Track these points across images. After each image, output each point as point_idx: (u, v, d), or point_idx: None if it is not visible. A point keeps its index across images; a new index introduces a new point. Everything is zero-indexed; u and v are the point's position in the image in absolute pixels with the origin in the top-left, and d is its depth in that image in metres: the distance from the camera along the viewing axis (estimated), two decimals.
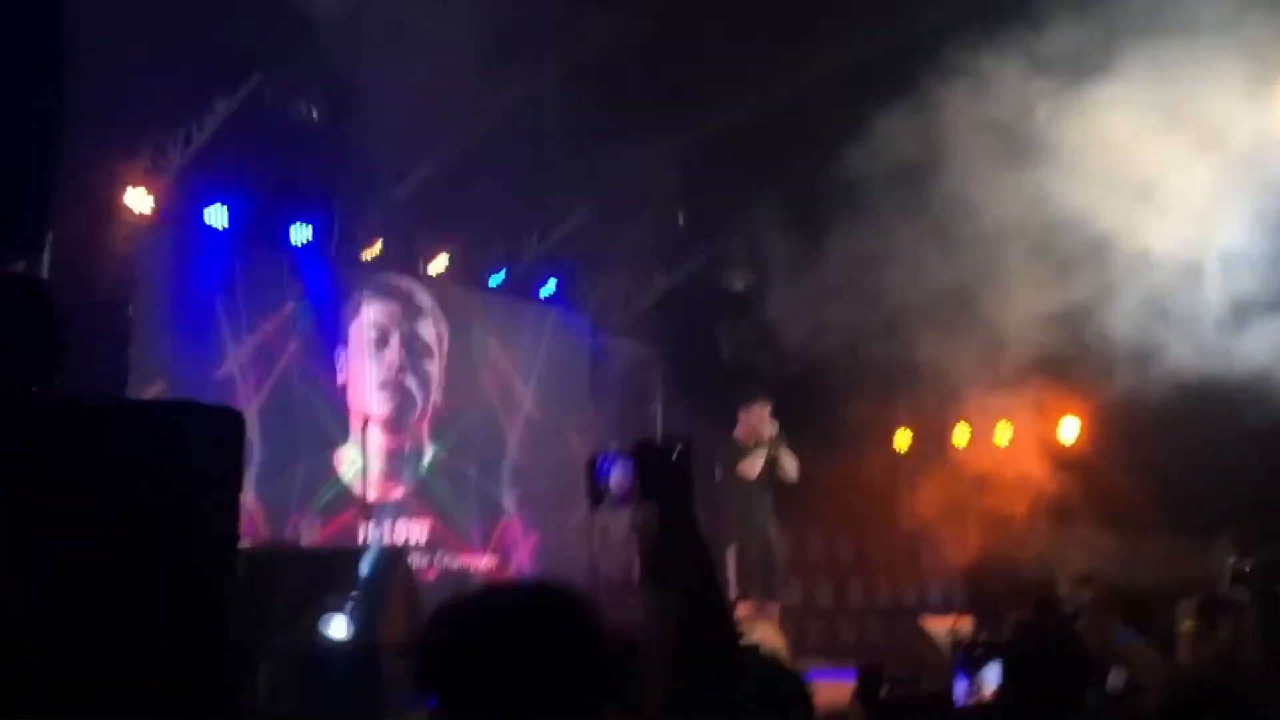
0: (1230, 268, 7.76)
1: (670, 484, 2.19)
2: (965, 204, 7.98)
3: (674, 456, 2.21)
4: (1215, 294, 7.83)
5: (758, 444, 8.70)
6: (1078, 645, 3.12)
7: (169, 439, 1.71)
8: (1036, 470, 10.46)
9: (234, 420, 1.74)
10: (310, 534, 8.50)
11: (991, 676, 2.87)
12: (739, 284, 11.06)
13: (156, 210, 8.23)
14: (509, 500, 10.32)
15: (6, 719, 1.69)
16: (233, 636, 1.81)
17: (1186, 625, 3.82)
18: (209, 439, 1.71)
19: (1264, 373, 7.84)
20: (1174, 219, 7.64)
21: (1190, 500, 9.58)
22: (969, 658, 2.90)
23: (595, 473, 1.95)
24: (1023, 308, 8.69)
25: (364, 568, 6.95)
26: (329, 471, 9.13)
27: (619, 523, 6.47)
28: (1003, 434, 11.05)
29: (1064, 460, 10.57)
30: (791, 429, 8.95)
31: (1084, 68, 7.22)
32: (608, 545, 6.77)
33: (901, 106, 7.59)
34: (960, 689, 2.87)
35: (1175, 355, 8.00)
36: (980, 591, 10.27)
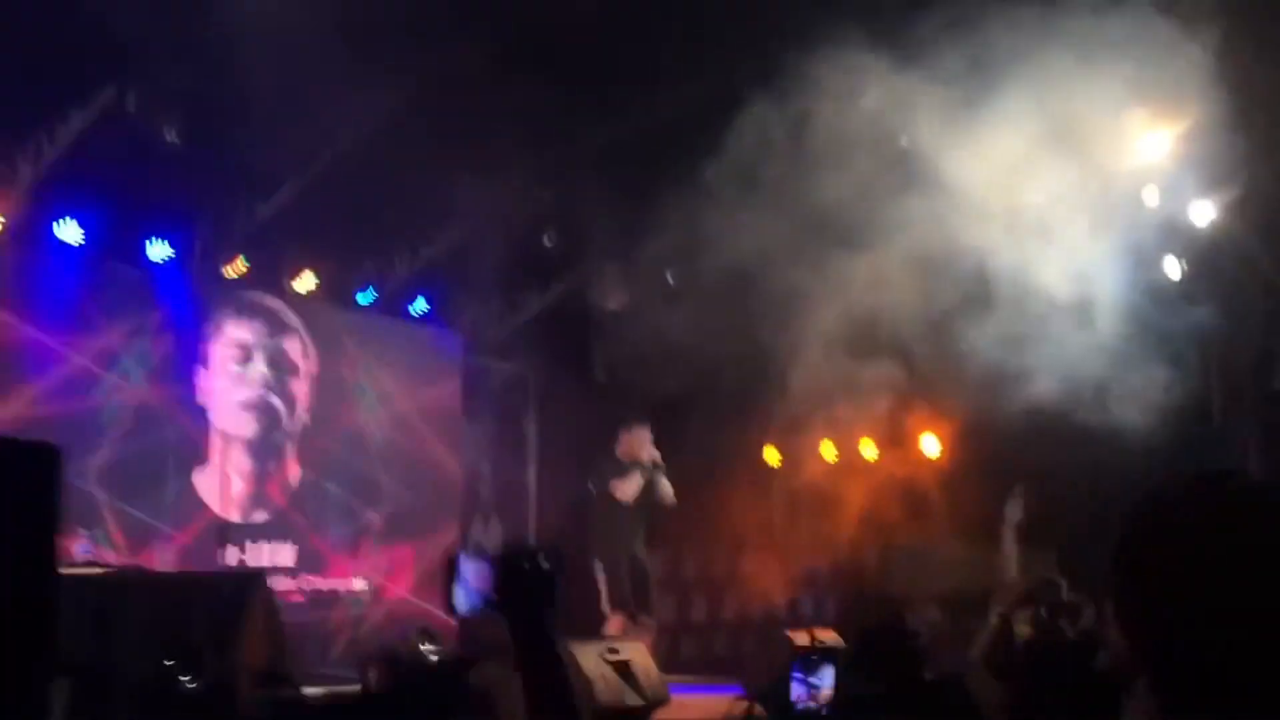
0: (1098, 301, 8.05)
1: (529, 597, 2.04)
2: (836, 222, 8.14)
3: (539, 564, 2.04)
4: (1081, 325, 8.12)
5: (636, 466, 8.78)
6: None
7: None
8: (898, 486, 10.74)
9: (50, 456, 1.69)
10: (166, 560, 8.26)
11: (826, 679, 2.97)
12: (611, 303, 11.12)
13: (4, 225, 7.93)
14: (378, 521, 10.17)
15: None
16: (46, 690, 1.74)
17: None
18: (23, 476, 1.66)
19: (1115, 403, 8.18)
20: (1045, 249, 7.90)
21: (1040, 518, 9.93)
22: (806, 662, 2.98)
23: (453, 576, 1.81)
24: (890, 327, 8.92)
25: (220, 591, 6.77)
26: (189, 494, 8.89)
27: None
28: (867, 450, 11.31)
29: (925, 476, 10.88)
30: (663, 447, 9.04)
31: (968, 87, 7.36)
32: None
33: (775, 124, 7.69)
34: (797, 691, 2.95)
35: (1033, 380, 8.29)
36: (847, 603, 10.50)
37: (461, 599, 2.02)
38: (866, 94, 7.57)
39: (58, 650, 1.86)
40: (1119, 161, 8.27)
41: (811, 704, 2.86)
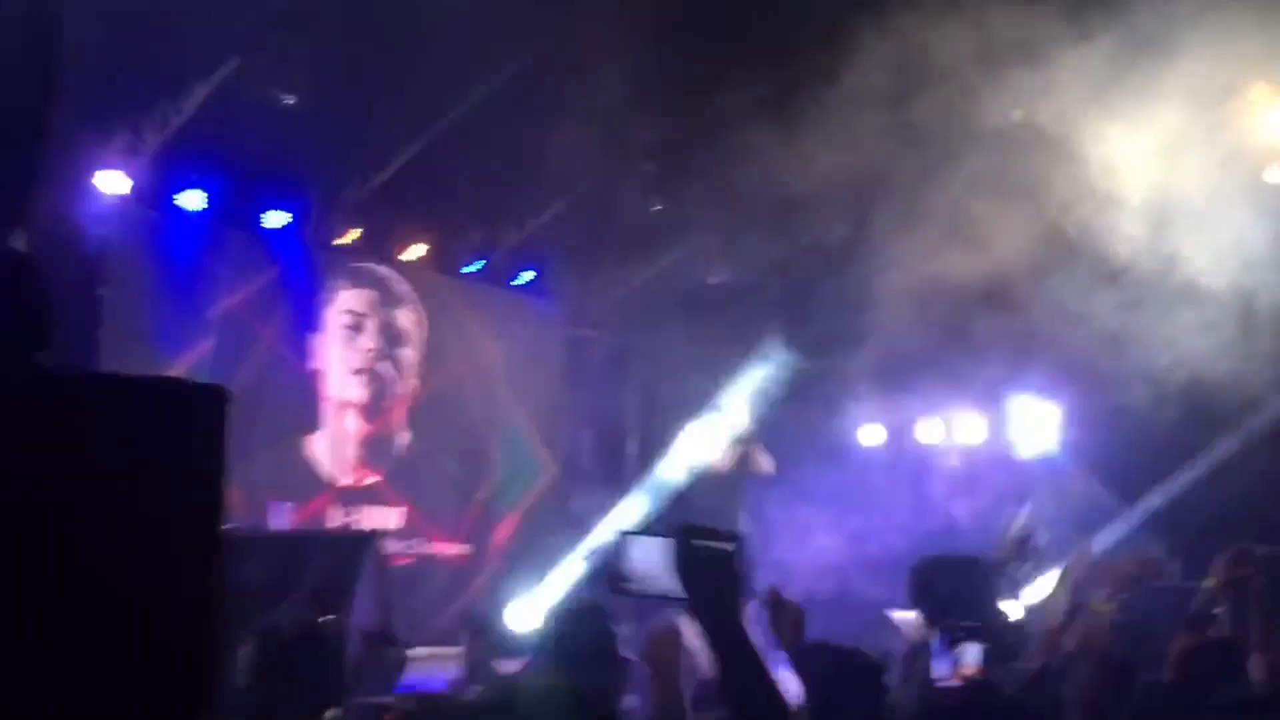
0: (1215, 283, 7.79)
1: (718, 587, 1.82)
2: (953, 194, 7.99)
3: (725, 549, 1.82)
4: (1196, 308, 7.88)
5: (732, 438, 8.78)
6: None
7: (153, 415, 1.72)
8: (1000, 468, 10.56)
9: (219, 398, 1.75)
10: (282, 519, 8.48)
11: (971, 655, 2.94)
12: (714, 277, 11.11)
13: (131, 192, 8.18)
14: (484, 487, 10.33)
15: None
16: (218, 622, 1.81)
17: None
18: (194, 417, 1.72)
19: (1223, 389, 7.93)
20: (1166, 228, 7.67)
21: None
22: (951, 639, 2.95)
23: (619, 553, 1.66)
24: (1005, 307, 8.76)
25: (333, 551, 6.92)
26: (303, 457, 9.12)
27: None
28: (972, 432, 11.15)
29: (1030, 459, 10.69)
30: (765, 426, 9.02)
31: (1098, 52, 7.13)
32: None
33: (886, 87, 7.51)
34: (941, 668, 2.93)
35: (1145, 362, 8.08)
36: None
37: (628, 583, 1.83)
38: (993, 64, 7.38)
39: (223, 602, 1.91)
40: (1244, 137, 8.00)
41: (955, 682, 2.83)
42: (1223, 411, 8.12)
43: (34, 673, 1.66)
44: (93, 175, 8.03)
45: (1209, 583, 3.81)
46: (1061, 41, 7.11)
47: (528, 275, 10.76)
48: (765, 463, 8.91)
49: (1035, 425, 10.76)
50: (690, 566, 1.84)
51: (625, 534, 1.88)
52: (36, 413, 1.60)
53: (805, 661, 2.88)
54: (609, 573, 1.92)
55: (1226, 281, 7.51)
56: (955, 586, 3.75)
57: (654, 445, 11.22)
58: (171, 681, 1.80)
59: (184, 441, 1.67)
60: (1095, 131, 7.37)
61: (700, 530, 1.88)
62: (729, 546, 1.86)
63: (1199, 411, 8.45)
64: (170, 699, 1.81)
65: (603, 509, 11.00)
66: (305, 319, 9.27)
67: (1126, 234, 7.71)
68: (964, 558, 4.19)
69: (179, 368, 8.39)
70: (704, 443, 8.84)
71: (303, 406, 9.20)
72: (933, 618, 3.75)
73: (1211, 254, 7.55)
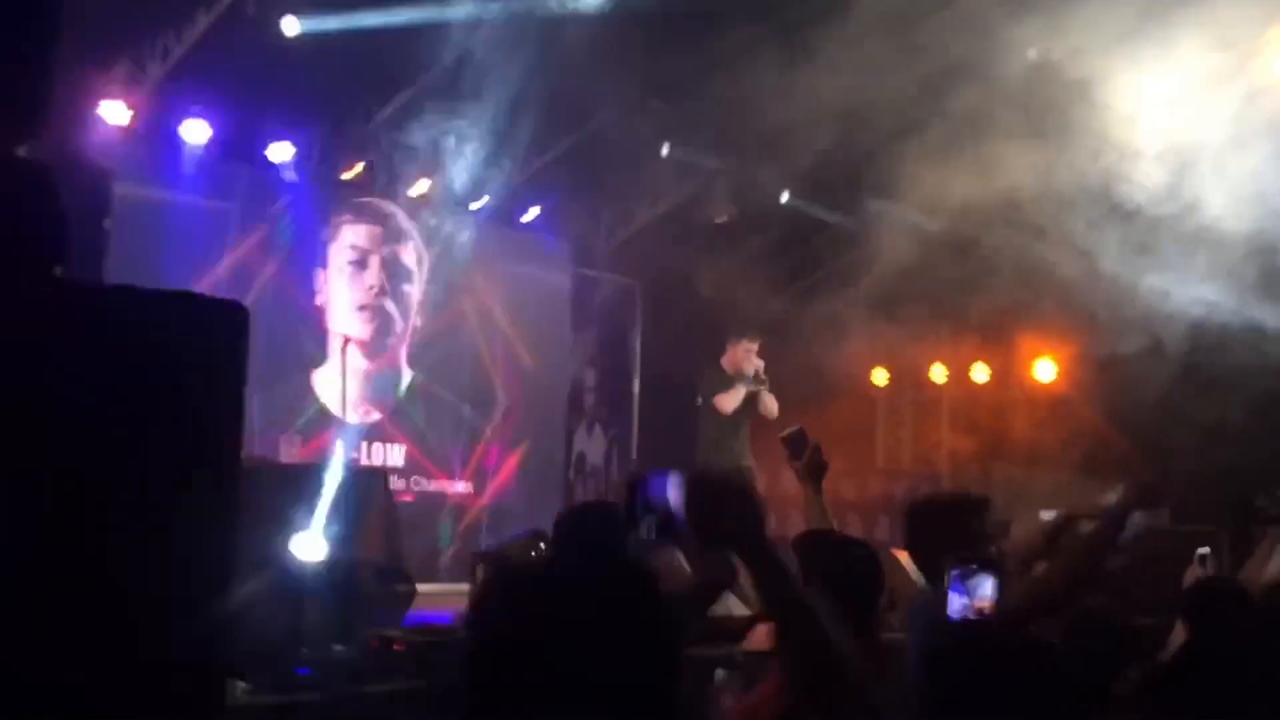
0: (1232, 228, 7.73)
1: (738, 521, 1.88)
2: (964, 134, 7.91)
3: (732, 487, 1.91)
4: (1213, 253, 7.82)
5: (740, 378, 8.72)
6: None
7: (175, 329, 1.69)
8: (1010, 410, 10.56)
9: (239, 314, 1.72)
10: (289, 454, 8.47)
11: (987, 589, 2.92)
12: (721, 217, 11.02)
13: (133, 123, 8.08)
14: (486, 425, 10.33)
15: None
16: (237, 538, 1.79)
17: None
18: (214, 332, 1.69)
19: (1249, 337, 7.89)
20: (1186, 170, 7.60)
21: (1160, 449, 9.70)
22: (965, 572, 2.93)
23: (640, 494, 1.68)
24: (1008, 252, 8.71)
25: (341, 485, 6.89)
26: (308, 392, 9.10)
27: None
28: (978, 374, 11.13)
29: (1037, 402, 10.68)
30: (770, 363, 8.98)
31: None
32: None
33: (905, 30, 7.41)
34: (956, 604, 2.91)
35: (1159, 309, 8.04)
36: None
37: (653, 523, 1.89)
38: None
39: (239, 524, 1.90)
40: (1266, 76, 7.89)
41: (970, 616, 2.82)
42: (1232, 360, 8.08)
43: (52, 582, 1.64)
44: (94, 105, 7.92)
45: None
46: None
47: (534, 212, 10.66)
48: (771, 406, 8.87)
49: (1041, 366, 10.74)
50: (717, 509, 1.88)
51: (641, 477, 1.93)
52: (58, 325, 1.57)
53: (804, 548, 2.96)
54: (626, 511, 1.97)
55: (1246, 226, 7.45)
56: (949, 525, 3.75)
57: (658, 385, 11.21)
58: (191, 600, 1.79)
59: (205, 355, 1.64)
60: (1113, 72, 7.28)
61: (710, 472, 1.99)
62: (743, 484, 1.93)
63: (1208, 359, 8.42)
64: (189, 618, 1.80)
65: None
66: (310, 253, 9.21)
67: (1144, 177, 7.64)
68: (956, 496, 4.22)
69: None
70: (711, 384, 8.79)
71: (308, 341, 9.17)
72: (930, 557, 3.72)
73: (1231, 197, 7.48)
